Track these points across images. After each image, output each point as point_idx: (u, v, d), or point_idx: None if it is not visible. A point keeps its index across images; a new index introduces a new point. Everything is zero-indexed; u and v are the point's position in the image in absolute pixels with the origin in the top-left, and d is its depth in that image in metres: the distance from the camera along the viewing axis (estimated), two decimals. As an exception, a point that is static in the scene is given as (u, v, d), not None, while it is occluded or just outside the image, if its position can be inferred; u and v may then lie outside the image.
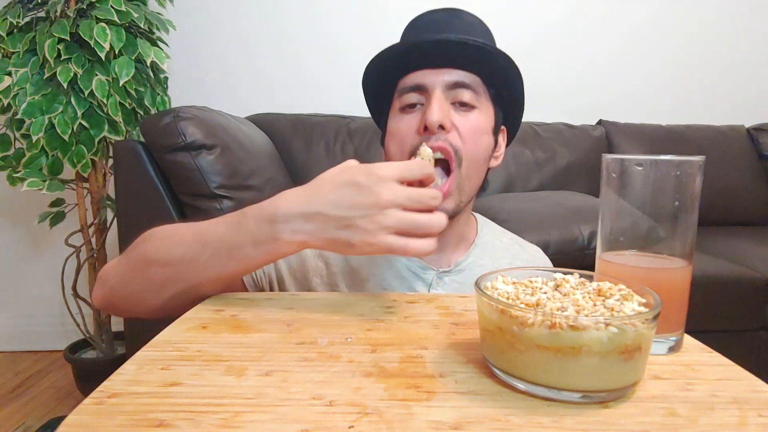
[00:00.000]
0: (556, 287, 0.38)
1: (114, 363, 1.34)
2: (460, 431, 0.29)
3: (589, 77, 2.14)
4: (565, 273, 0.40)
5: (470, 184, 0.64)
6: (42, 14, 1.51)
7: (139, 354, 0.39)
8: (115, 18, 1.42)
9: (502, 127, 0.71)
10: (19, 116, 1.38)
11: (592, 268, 0.43)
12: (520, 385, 0.33)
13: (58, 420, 1.37)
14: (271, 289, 0.66)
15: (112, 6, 1.42)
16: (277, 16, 2.01)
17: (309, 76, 2.04)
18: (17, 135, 1.47)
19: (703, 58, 2.17)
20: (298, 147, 1.79)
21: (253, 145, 1.46)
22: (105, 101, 1.42)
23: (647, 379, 0.35)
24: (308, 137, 1.81)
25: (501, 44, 0.64)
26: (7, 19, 1.44)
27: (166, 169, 1.21)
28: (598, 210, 0.42)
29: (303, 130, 1.82)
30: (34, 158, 1.45)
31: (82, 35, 1.38)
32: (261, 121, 1.77)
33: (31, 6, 1.49)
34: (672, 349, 0.40)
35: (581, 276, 0.40)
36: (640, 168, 0.39)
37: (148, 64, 1.53)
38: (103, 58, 1.41)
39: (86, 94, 1.41)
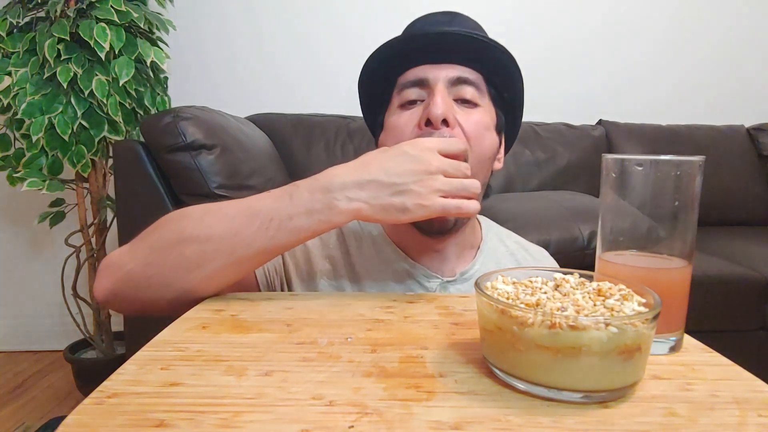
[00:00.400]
0: (556, 287, 0.38)
1: (114, 363, 1.34)
2: (460, 431, 0.29)
3: (590, 77, 2.14)
4: (565, 273, 0.40)
5: None
6: (42, 14, 1.51)
7: (139, 354, 0.39)
8: (115, 18, 1.42)
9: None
10: (19, 116, 1.38)
11: (592, 268, 0.43)
12: (520, 385, 0.33)
13: (58, 420, 1.36)
14: (282, 290, 0.65)
15: (112, 6, 1.42)
16: (279, 15, 2.01)
17: (309, 76, 2.04)
18: (17, 135, 1.47)
19: (703, 58, 2.17)
20: (298, 147, 1.79)
21: (253, 145, 1.46)
22: (105, 101, 1.42)
23: (647, 379, 0.35)
24: (308, 137, 1.81)
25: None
26: (7, 19, 1.45)
27: (166, 169, 1.21)
28: (598, 210, 0.42)
29: (303, 130, 1.82)
30: (34, 158, 1.45)
31: (82, 35, 1.38)
32: (261, 121, 1.77)
33: (31, 6, 1.49)
34: (672, 349, 0.40)
35: (581, 276, 0.40)
36: (640, 168, 0.39)
37: (148, 64, 1.54)
38: (103, 58, 1.41)
39: (86, 94, 1.41)
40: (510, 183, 1.87)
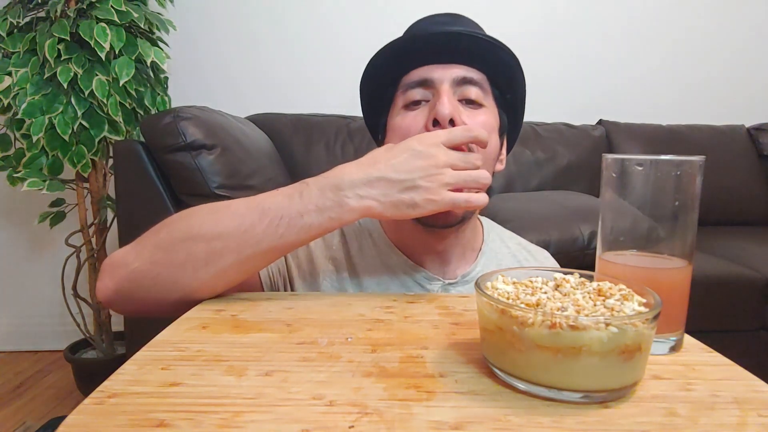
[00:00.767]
0: (557, 287, 0.38)
1: (114, 363, 1.34)
2: (460, 431, 0.29)
3: (590, 77, 2.15)
4: (565, 273, 0.40)
5: None
6: (42, 14, 1.51)
7: (140, 354, 0.39)
8: (115, 18, 1.42)
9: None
10: (19, 116, 1.38)
11: (592, 268, 0.43)
12: (521, 385, 0.33)
13: (58, 420, 1.36)
14: (284, 291, 0.65)
15: (112, 6, 1.42)
16: (278, 16, 2.01)
17: (309, 76, 2.04)
18: (17, 135, 1.47)
19: (703, 58, 2.17)
20: (298, 147, 1.79)
21: (253, 145, 1.46)
22: (105, 101, 1.42)
23: (647, 379, 0.35)
24: (308, 137, 1.81)
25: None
26: (7, 19, 1.45)
27: (166, 169, 1.21)
28: (598, 210, 0.42)
29: (303, 130, 1.82)
30: (34, 158, 1.45)
31: (82, 35, 1.38)
32: (261, 121, 1.77)
33: (31, 6, 1.49)
34: (672, 349, 0.40)
35: (581, 276, 0.40)
36: (640, 168, 0.39)
37: (148, 64, 1.54)
38: (103, 58, 1.41)
39: (86, 94, 1.41)
40: (510, 183, 1.87)
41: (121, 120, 1.47)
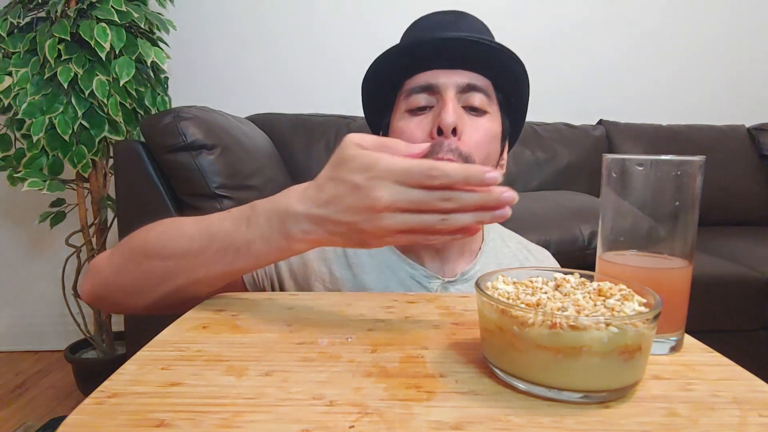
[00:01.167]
0: (557, 287, 0.38)
1: (114, 363, 1.34)
2: (460, 431, 0.29)
3: (590, 77, 2.15)
4: (565, 273, 0.40)
5: None
6: (42, 14, 1.51)
7: (140, 354, 0.39)
8: (116, 18, 1.42)
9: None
10: (19, 116, 1.39)
11: (592, 268, 0.43)
12: (521, 385, 0.33)
13: (59, 420, 1.37)
14: (273, 290, 0.65)
15: (112, 6, 1.42)
16: (278, 16, 2.01)
17: (309, 76, 2.04)
18: (18, 135, 1.47)
19: (703, 58, 2.17)
20: (298, 147, 1.79)
21: (253, 145, 1.47)
22: (105, 101, 1.42)
23: (648, 379, 0.35)
24: (308, 137, 1.81)
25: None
26: (7, 19, 1.45)
27: (167, 169, 1.21)
28: (599, 210, 0.42)
29: (303, 130, 1.82)
30: (34, 158, 1.45)
31: (82, 35, 1.38)
32: (261, 121, 1.77)
33: (31, 6, 1.49)
34: (672, 349, 0.40)
35: (582, 276, 0.40)
36: (640, 168, 0.39)
37: (149, 64, 1.54)
38: (104, 59, 1.41)
39: (87, 94, 1.41)
40: (510, 183, 1.84)
41: (121, 120, 1.47)
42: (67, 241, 1.60)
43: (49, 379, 1.77)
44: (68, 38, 1.40)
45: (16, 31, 1.47)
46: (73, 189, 1.58)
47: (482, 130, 0.61)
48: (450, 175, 0.38)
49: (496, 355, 0.35)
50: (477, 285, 0.36)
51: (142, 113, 1.55)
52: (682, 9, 2.14)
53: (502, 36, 0.63)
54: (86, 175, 1.53)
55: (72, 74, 1.39)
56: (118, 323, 1.70)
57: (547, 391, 0.32)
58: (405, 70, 0.63)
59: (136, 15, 1.46)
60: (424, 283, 0.65)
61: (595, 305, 0.34)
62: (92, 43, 1.38)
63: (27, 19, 1.49)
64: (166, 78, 1.69)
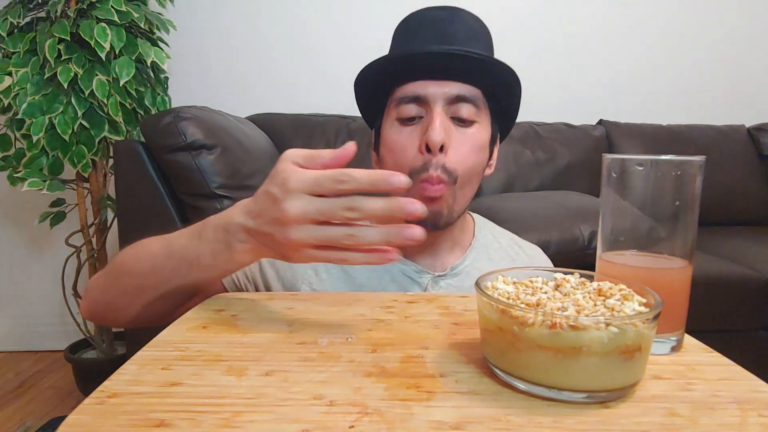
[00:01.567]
0: (557, 287, 0.38)
1: (114, 363, 1.34)
2: (460, 431, 0.29)
3: (590, 77, 2.14)
4: (565, 273, 0.40)
5: (464, 195, 0.63)
6: (42, 14, 1.51)
7: (140, 354, 0.39)
8: (116, 18, 1.42)
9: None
10: (19, 116, 1.39)
11: (592, 268, 0.43)
12: (521, 385, 0.33)
13: (59, 420, 1.37)
14: (256, 291, 0.65)
15: (112, 6, 1.42)
16: (278, 16, 2.01)
17: (309, 76, 2.04)
18: (18, 135, 1.47)
19: (703, 58, 2.17)
20: (298, 147, 1.78)
21: (253, 145, 1.47)
22: (105, 101, 1.42)
23: (648, 379, 0.35)
24: (308, 137, 1.81)
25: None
26: (7, 19, 1.45)
27: (167, 169, 1.21)
28: (599, 210, 0.42)
29: (303, 130, 1.82)
30: (34, 158, 1.45)
31: (82, 35, 1.38)
32: (261, 121, 1.77)
33: (31, 6, 1.49)
34: (673, 349, 0.40)
35: (582, 276, 0.40)
36: (640, 168, 0.39)
37: (149, 64, 1.54)
38: (104, 58, 1.41)
39: (87, 94, 1.41)
40: (510, 183, 1.87)
41: (121, 120, 1.47)
42: (67, 241, 1.60)
43: (49, 379, 1.77)
44: (68, 38, 1.40)
45: (16, 31, 1.47)
46: (73, 189, 1.58)
47: (469, 143, 0.61)
48: (358, 179, 0.39)
49: (496, 355, 0.35)
50: (477, 285, 0.36)
51: (142, 113, 1.55)
52: (682, 10, 2.14)
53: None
54: (86, 175, 1.53)
55: (72, 74, 1.39)
56: (118, 323, 1.70)
57: (547, 391, 0.32)
58: (395, 77, 0.63)
59: (136, 15, 1.46)
60: (415, 278, 0.66)
61: (595, 305, 0.34)
62: (92, 43, 1.38)
63: (27, 19, 1.49)
64: (166, 78, 1.69)
